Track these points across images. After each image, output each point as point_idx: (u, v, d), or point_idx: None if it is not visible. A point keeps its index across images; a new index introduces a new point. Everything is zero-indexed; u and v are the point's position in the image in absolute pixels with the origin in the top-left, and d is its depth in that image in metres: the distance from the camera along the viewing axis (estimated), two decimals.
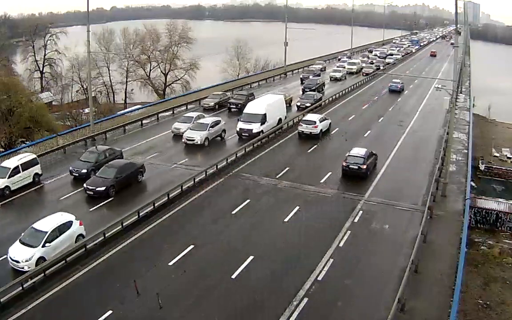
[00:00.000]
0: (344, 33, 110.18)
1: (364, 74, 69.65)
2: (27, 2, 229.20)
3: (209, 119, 37.73)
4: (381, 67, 76.92)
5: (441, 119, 45.38)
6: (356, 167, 29.24)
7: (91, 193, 26.48)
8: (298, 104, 47.55)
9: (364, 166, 29.32)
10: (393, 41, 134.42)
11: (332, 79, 66.63)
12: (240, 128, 37.01)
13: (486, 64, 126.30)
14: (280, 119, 39.99)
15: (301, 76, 65.48)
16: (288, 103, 47.12)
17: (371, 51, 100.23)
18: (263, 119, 37.18)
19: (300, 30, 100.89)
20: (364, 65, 76.17)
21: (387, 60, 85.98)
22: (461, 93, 60.48)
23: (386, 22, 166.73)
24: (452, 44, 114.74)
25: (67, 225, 21.24)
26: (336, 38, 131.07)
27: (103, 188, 26.38)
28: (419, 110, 50.27)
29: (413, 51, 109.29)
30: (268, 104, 38.86)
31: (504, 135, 62.10)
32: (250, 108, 38.43)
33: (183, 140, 35.78)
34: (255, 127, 36.54)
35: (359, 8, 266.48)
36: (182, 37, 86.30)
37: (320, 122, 38.56)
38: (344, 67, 72.39)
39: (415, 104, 53.26)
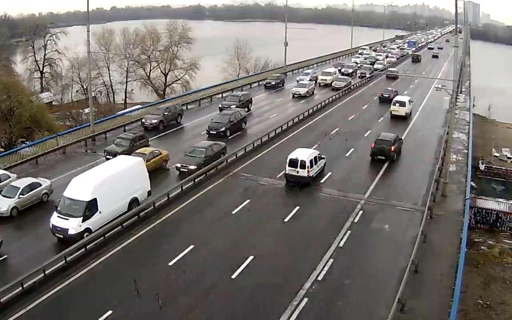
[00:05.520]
0: (346, 33, 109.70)
1: (333, 89, 57.15)
2: (27, 2, 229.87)
3: None
4: (367, 75, 67.09)
5: (441, 119, 45.36)
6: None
7: None
8: (178, 165, 30.27)
9: (393, 148, 33.09)
10: (359, 51, 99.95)
11: (295, 95, 53.65)
12: (52, 225, 22.03)
13: (486, 64, 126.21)
14: (135, 200, 24.74)
15: (219, 105, 46.17)
16: (159, 165, 30.49)
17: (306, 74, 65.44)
18: (88, 209, 21.96)
19: (300, 30, 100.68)
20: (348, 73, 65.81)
21: (375, 66, 75.39)
22: (461, 93, 60.43)
23: (386, 22, 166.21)
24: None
25: None
26: (336, 38, 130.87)
27: None
28: (419, 110, 50.17)
29: (410, 53, 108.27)
30: (100, 183, 22.93)
31: (504, 135, 62.10)
32: (72, 189, 22.71)
33: None
34: (73, 225, 21.49)
35: (359, 8, 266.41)
36: (182, 37, 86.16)
37: (410, 102, 46.58)
38: (311, 80, 59.22)
39: (415, 104, 53.05)
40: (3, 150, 40.30)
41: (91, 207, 22.12)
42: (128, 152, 30.51)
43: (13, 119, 45.45)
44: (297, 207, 25.63)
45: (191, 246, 21.46)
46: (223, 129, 37.39)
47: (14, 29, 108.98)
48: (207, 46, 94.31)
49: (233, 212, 25.12)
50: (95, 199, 22.24)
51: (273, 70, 74.46)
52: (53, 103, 72.96)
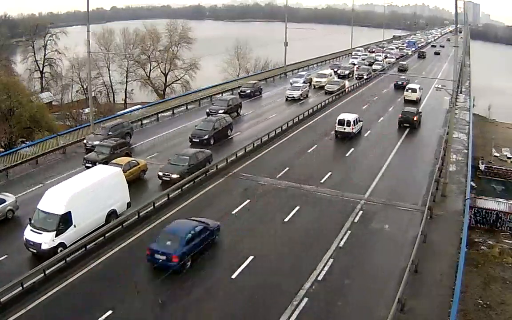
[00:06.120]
0: (346, 33, 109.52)
1: (326, 92, 54.74)
2: (27, 2, 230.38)
3: None
4: (365, 76, 66.18)
5: (441, 119, 45.37)
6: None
7: None
8: (160, 173, 29.03)
9: (415, 118, 42.39)
10: (353, 53, 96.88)
11: (288, 98, 52.05)
12: (26, 239, 20.94)
13: (486, 64, 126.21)
14: (113, 212, 23.64)
15: (207, 110, 44.15)
16: (136, 176, 28.74)
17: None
18: (62, 222, 20.84)
19: (300, 30, 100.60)
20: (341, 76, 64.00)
21: (374, 67, 73.98)
22: (461, 93, 60.46)
23: (386, 22, 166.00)
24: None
25: None
26: (336, 38, 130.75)
27: None
28: (420, 110, 50.21)
29: (409, 53, 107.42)
30: (75, 195, 21.74)
31: (504, 135, 62.10)
32: (46, 201, 21.58)
33: None
34: (46, 239, 20.36)
35: (359, 8, 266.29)
36: (182, 37, 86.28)
37: (420, 90, 53.85)
38: (305, 82, 57.83)
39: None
40: (3, 150, 40.31)
41: (65, 220, 20.94)
42: (109, 160, 29.21)
43: (13, 119, 45.49)
44: (297, 207, 25.62)
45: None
46: (206, 136, 35.31)
47: (14, 29, 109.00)
48: (207, 46, 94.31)
49: (233, 212, 25.11)
50: (69, 212, 21.07)
51: (273, 70, 74.54)
52: (53, 103, 72.99)
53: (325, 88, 56.37)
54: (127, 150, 32.63)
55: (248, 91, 53.95)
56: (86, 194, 22.24)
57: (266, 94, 56.54)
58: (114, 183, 24.14)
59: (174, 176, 28.19)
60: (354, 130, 38.11)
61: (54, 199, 21.46)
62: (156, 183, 28.89)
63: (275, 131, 38.11)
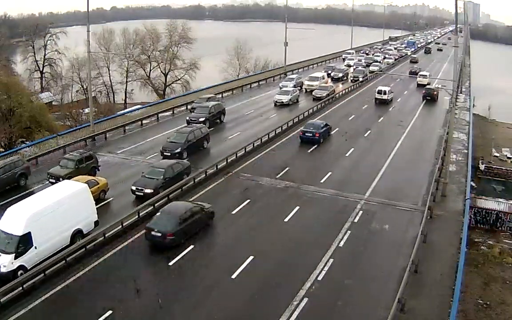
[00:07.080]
0: (346, 33, 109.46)
1: (314, 99, 51.20)
2: (27, 2, 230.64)
3: None
4: (360, 79, 63.37)
5: (441, 119, 45.41)
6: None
7: None
8: (133, 188, 26.51)
9: (435, 93, 54.75)
10: (343, 55, 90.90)
11: (277, 103, 49.39)
12: None
13: (486, 64, 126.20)
14: (78, 232, 21.81)
15: (187, 118, 41.18)
16: (96, 197, 24.89)
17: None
18: (21, 244, 19.37)
19: (300, 30, 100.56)
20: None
21: (371, 68, 72.19)
22: (461, 93, 60.52)
23: (386, 22, 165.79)
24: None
25: None
26: (336, 38, 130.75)
27: None
28: (419, 110, 50.31)
29: (409, 53, 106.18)
30: (35, 214, 20.06)
31: (504, 135, 62.07)
32: (5, 220, 20.16)
33: None
34: (5, 262, 18.84)
35: (359, 8, 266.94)
36: (182, 37, 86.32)
37: (429, 77, 65.69)
38: (296, 86, 54.67)
39: (415, 104, 53.34)
40: (3, 150, 40.30)
41: (24, 242, 19.36)
42: (74, 175, 26.84)
43: (13, 119, 45.46)
44: (297, 207, 25.62)
45: (191, 246, 21.46)
46: (178, 150, 32.04)
47: (14, 29, 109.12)
48: (207, 46, 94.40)
49: (233, 212, 25.11)
50: (29, 233, 19.47)
51: (273, 70, 74.46)
52: (53, 103, 72.93)
53: (313, 93, 52.41)
54: (94, 164, 29.88)
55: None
56: (48, 212, 20.52)
57: (265, 94, 56.50)
58: (80, 200, 22.18)
59: (148, 190, 25.83)
60: (388, 98, 51.89)
61: (13, 218, 19.96)
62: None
63: (275, 131, 38.09)
